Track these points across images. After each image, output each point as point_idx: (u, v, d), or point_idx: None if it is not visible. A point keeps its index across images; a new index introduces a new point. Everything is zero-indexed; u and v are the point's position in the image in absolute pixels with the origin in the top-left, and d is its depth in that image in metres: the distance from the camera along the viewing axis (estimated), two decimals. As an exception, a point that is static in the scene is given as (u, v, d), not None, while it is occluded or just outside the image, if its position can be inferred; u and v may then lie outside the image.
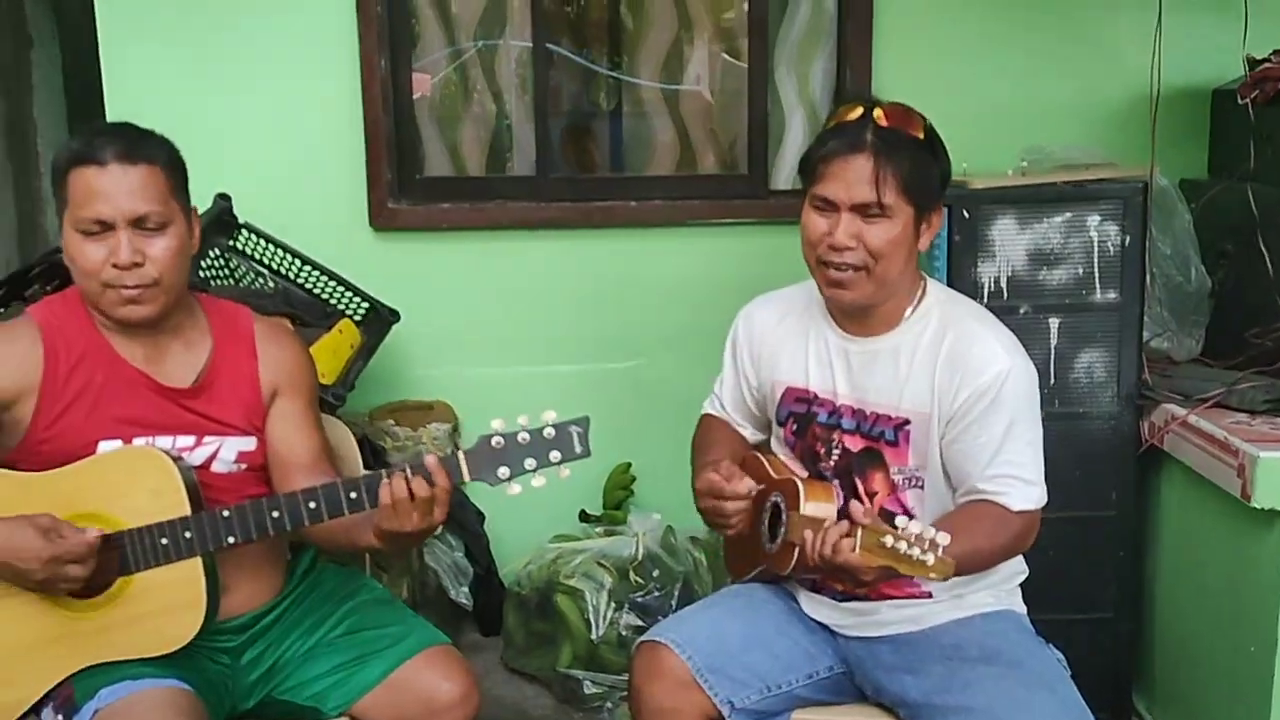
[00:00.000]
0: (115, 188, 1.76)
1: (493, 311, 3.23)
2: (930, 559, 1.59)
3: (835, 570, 1.71)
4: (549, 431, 1.71)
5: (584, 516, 3.17)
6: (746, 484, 1.88)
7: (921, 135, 1.85)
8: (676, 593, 2.88)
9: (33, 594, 1.74)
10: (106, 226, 1.76)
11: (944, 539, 1.59)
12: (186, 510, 1.75)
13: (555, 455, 1.71)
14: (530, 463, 1.71)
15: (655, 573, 2.90)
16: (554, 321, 3.24)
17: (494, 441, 1.71)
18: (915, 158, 1.82)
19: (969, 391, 1.82)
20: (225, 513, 1.74)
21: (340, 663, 1.91)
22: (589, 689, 2.83)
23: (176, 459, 1.79)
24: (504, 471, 1.71)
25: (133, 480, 1.77)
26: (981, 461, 1.83)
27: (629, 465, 3.23)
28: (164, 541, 1.74)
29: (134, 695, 1.69)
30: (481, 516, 3.14)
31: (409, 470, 1.71)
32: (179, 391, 1.87)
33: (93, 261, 1.77)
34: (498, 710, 2.85)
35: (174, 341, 1.89)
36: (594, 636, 2.84)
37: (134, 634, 1.76)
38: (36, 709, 1.79)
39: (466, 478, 1.72)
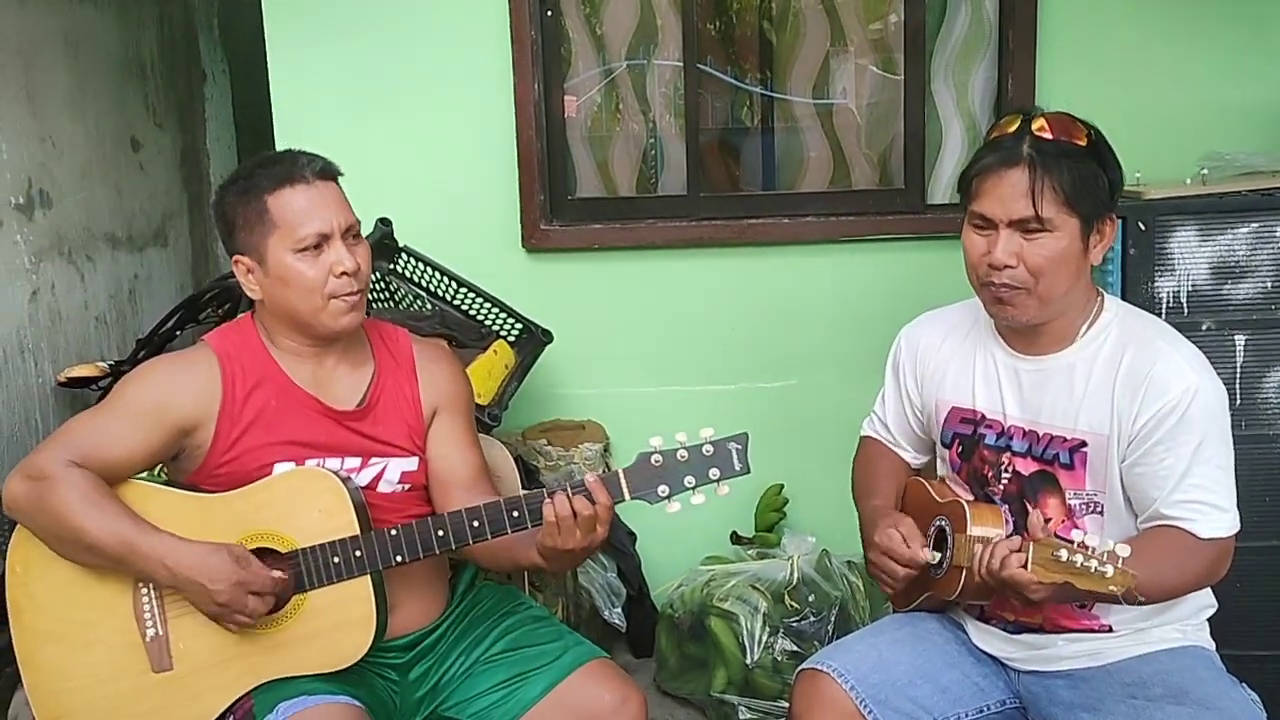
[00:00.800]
0: (324, 201, 1.83)
1: (644, 331, 3.22)
2: (1110, 570, 1.51)
3: (1003, 589, 1.63)
4: (708, 449, 1.71)
5: (736, 538, 3.13)
6: (926, 555, 1.83)
7: (1084, 142, 1.76)
8: (833, 618, 2.81)
9: None
10: (324, 239, 1.82)
11: (1124, 550, 1.52)
12: (356, 530, 1.80)
13: (715, 472, 1.71)
14: (690, 480, 1.71)
15: (810, 597, 2.83)
16: (705, 341, 3.21)
17: (653, 459, 1.72)
18: (1077, 167, 1.73)
19: (1153, 411, 1.72)
20: (393, 532, 1.78)
21: (502, 680, 1.93)
22: (744, 714, 2.78)
23: (345, 480, 1.83)
24: (664, 489, 1.71)
25: (304, 501, 1.82)
26: (1167, 486, 1.73)
27: (781, 487, 3.17)
28: (336, 560, 1.78)
29: (309, 710, 1.73)
30: (633, 537, 3.13)
31: (570, 489, 1.72)
32: (345, 414, 1.91)
33: (316, 277, 1.83)
34: (651, 733, 2.82)
35: (340, 364, 1.93)
36: (748, 661, 2.79)
37: (309, 650, 1.81)
38: (219, 720, 1.85)
39: (627, 496, 1.73)
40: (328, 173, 1.86)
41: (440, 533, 1.78)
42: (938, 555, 1.84)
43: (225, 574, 1.73)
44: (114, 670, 1.83)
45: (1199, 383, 1.73)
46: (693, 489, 1.72)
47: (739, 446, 1.72)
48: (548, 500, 1.72)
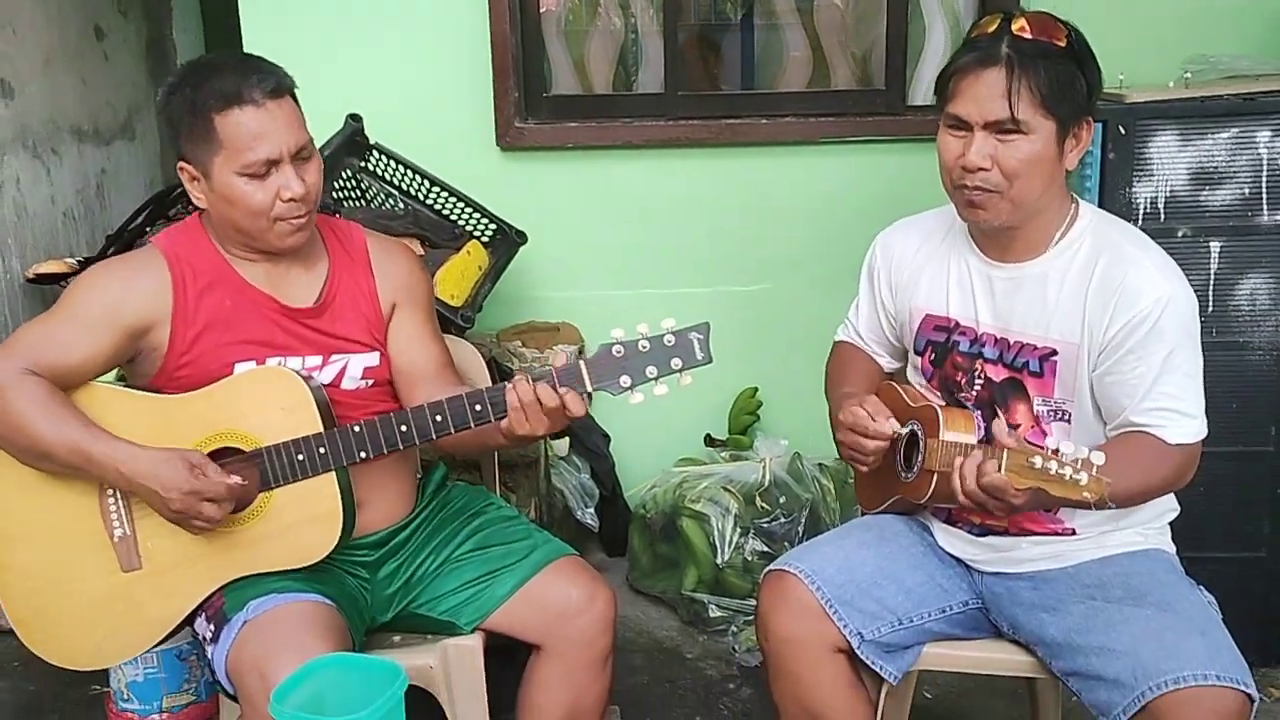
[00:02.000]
0: (274, 124, 1.76)
1: (619, 232, 3.19)
2: (1084, 478, 1.53)
3: (984, 504, 1.64)
4: (669, 339, 1.70)
5: (709, 441, 3.15)
6: (892, 425, 1.82)
7: (1064, 43, 1.73)
8: (803, 520, 2.85)
9: None
10: (272, 164, 1.77)
11: (1099, 458, 1.53)
12: (319, 427, 1.79)
13: (677, 362, 1.70)
14: (652, 370, 1.70)
15: (781, 499, 2.87)
16: (682, 243, 3.19)
17: (615, 350, 1.71)
18: (1055, 68, 1.70)
19: (1124, 320, 1.72)
20: (356, 428, 1.78)
21: (472, 578, 1.95)
22: (714, 612, 2.84)
23: (308, 378, 1.82)
24: (626, 380, 1.71)
25: (266, 399, 1.81)
26: (1138, 394, 1.74)
27: (756, 390, 3.19)
28: (300, 458, 1.78)
29: (280, 608, 1.74)
30: (607, 438, 3.15)
31: (531, 377, 1.72)
32: (302, 311, 1.90)
33: (263, 201, 1.78)
34: (623, 629, 2.87)
35: (294, 264, 1.91)
36: (719, 561, 2.83)
37: (277, 547, 1.82)
38: (190, 618, 1.87)
39: (589, 386, 1.72)
40: (280, 90, 1.78)
41: (403, 428, 1.77)
42: (905, 429, 1.84)
43: (178, 482, 1.72)
44: (84, 570, 1.84)
45: (1171, 291, 1.73)
46: (655, 379, 1.71)
47: (700, 336, 1.70)
48: (510, 388, 1.72)
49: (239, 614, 1.75)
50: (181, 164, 1.83)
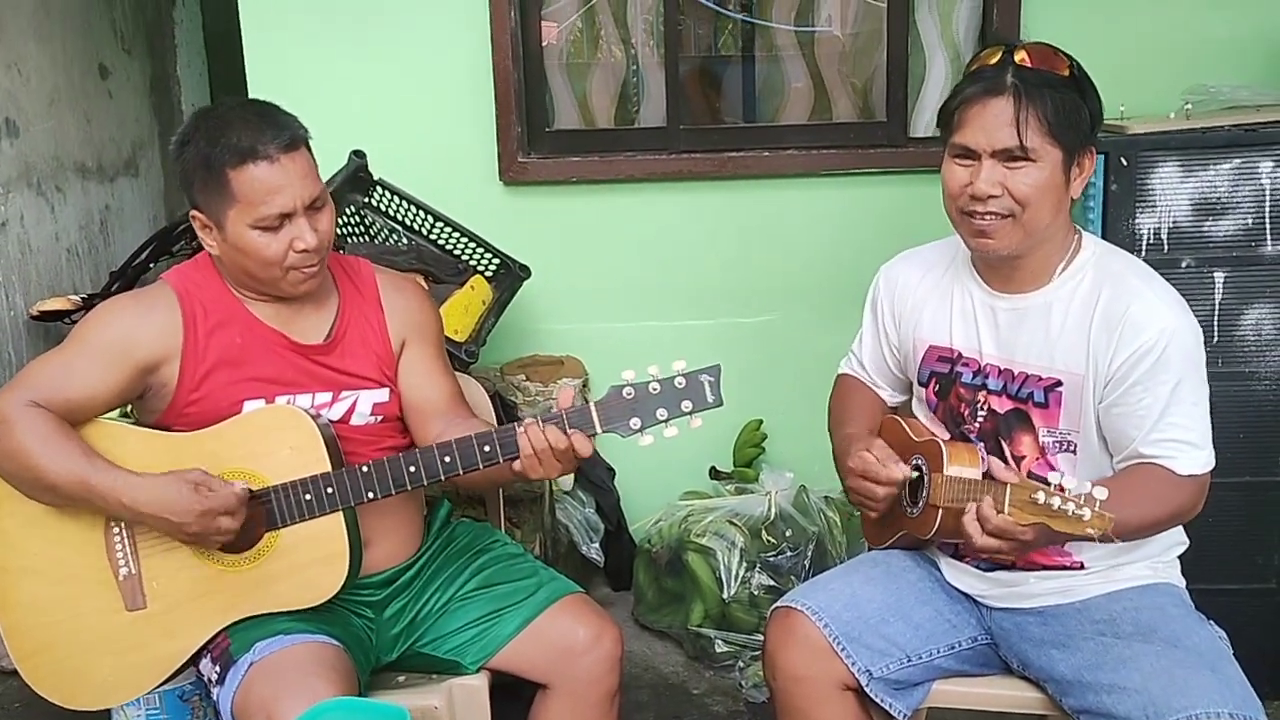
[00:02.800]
0: (287, 178, 1.77)
1: (623, 266, 3.20)
2: (1087, 514, 1.51)
3: (995, 544, 1.64)
4: (680, 381, 1.70)
5: (715, 474, 3.14)
6: (902, 470, 1.82)
7: (1066, 73, 1.74)
8: (809, 553, 2.83)
9: (188, 549, 1.80)
10: (286, 217, 1.78)
11: (1101, 493, 1.52)
12: (327, 466, 1.79)
13: (687, 405, 1.70)
14: (662, 413, 1.70)
15: (788, 532, 2.85)
16: (685, 275, 3.19)
17: (625, 392, 1.70)
18: (1060, 97, 1.71)
19: (1129, 352, 1.72)
20: (364, 468, 1.78)
21: (477, 617, 1.94)
22: (720, 648, 2.81)
23: (315, 416, 1.82)
24: (636, 422, 1.70)
25: (274, 438, 1.80)
26: (1145, 425, 1.73)
27: (760, 422, 3.18)
28: (308, 497, 1.78)
29: (286, 650, 1.73)
30: (612, 472, 3.14)
31: (541, 419, 1.71)
32: (313, 348, 1.90)
33: (276, 252, 1.79)
34: (628, 665, 2.82)
35: (305, 301, 1.91)
36: (725, 595, 2.81)
37: (283, 587, 1.81)
38: (194, 659, 1.86)
39: (598, 429, 1.71)
40: (294, 143, 1.79)
41: (412, 469, 1.77)
42: (915, 472, 1.83)
43: (188, 504, 1.71)
44: (88, 607, 1.83)
45: (1175, 323, 1.73)
46: (665, 421, 1.70)
47: (711, 378, 1.70)
48: (521, 432, 1.71)
49: (245, 655, 1.74)
50: (194, 213, 1.83)
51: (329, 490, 1.77)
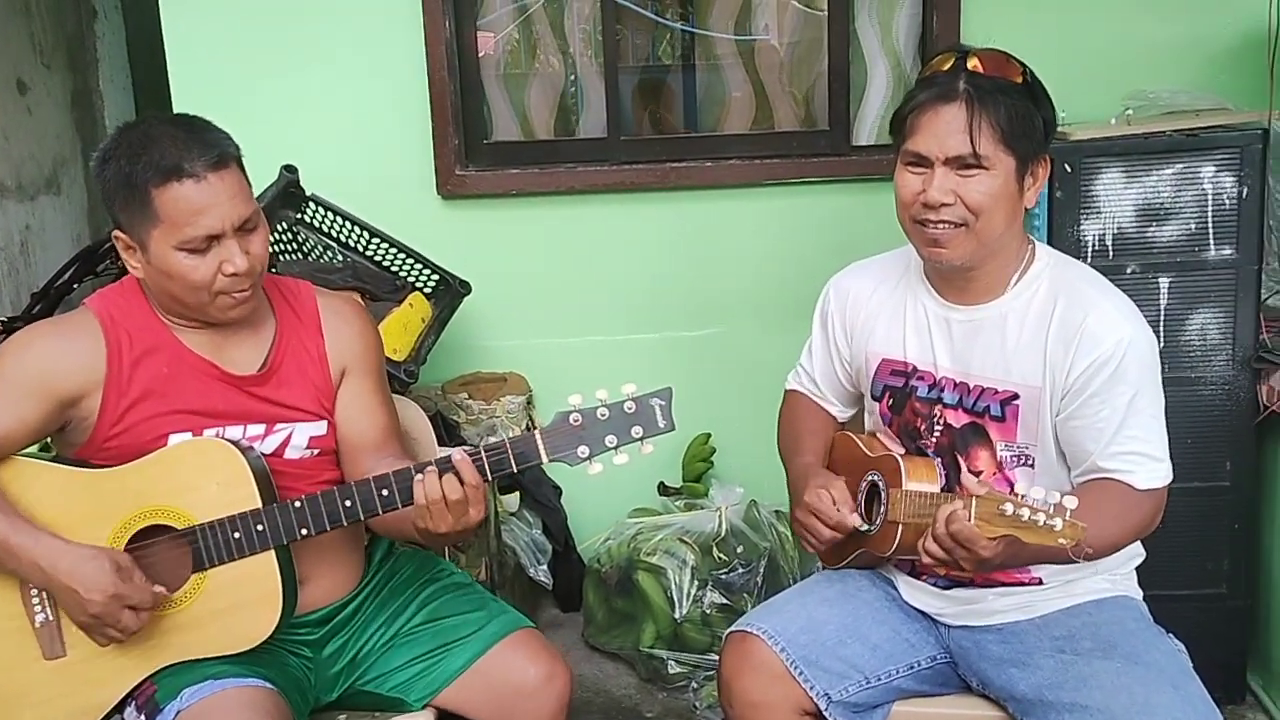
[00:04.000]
0: (215, 198, 1.66)
1: (566, 279, 3.14)
2: (1058, 523, 1.48)
3: (949, 544, 1.59)
4: (629, 405, 1.64)
5: (663, 489, 3.09)
6: (854, 520, 1.79)
7: (1020, 80, 1.72)
8: (761, 569, 2.79)
9: None
10: (214, 238, 1.68)
11: (1071, 502, 1.49)
12: (258, 502, 1.70)
13: (637, 430, 1.64)
14: (611, 440, 1.64)
15: (739, 549, 2.81)
16: (629, 289, 3.14)
17: (572, 418, 1.64)
18: (1014, 104, 1.69)
19: (1086, 363, 1.69)
20: (297, 504, 1.69)
21: (422, 653, 1.86)
22: (673, 669, 2.76)
23: (245, 450, 1.73)
24: (584, 450, 1.64)
25: (201, 473, 1.71)
26: (1104, 438, 1.71)
27: (709, 436, 3.13)
28: (236, 535, 1.69)
29: (216, 695, 1.65)
30: (559, 491, 3.07)
31: (439, 466, 1.64)
32: (246, 379, 1.80)
33: (204, 276, 1.69)
34: (580, 688, 2.78)
35: (239, 328, 1.81)
36: (677, 615, 2.76)
37: (211, 632, 1.72)
38: (119, 707, 1.75)
39: (545, 459, 1.65)
40: (223, 161, 1.68)
41: (348, 503, 1.69)
42: (866, 525, 1.80)
43: (102, 584, 1.61)
44: (4, 659, 1.72)
45: (1132, 334, 1.70)
46: (615, 449, 1.64)
47: (662, 403, 1.64)
48: (419, 479, 1.64)
49: (172, 703, 1.65)
50: (116, 233, 1.73)
51: (259, 528, 1.68)
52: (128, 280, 1.81)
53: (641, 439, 1.65)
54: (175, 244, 1.67)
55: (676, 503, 3.02)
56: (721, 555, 2.80)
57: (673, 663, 2.76)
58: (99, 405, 1.73)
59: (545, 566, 2.93)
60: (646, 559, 2.81)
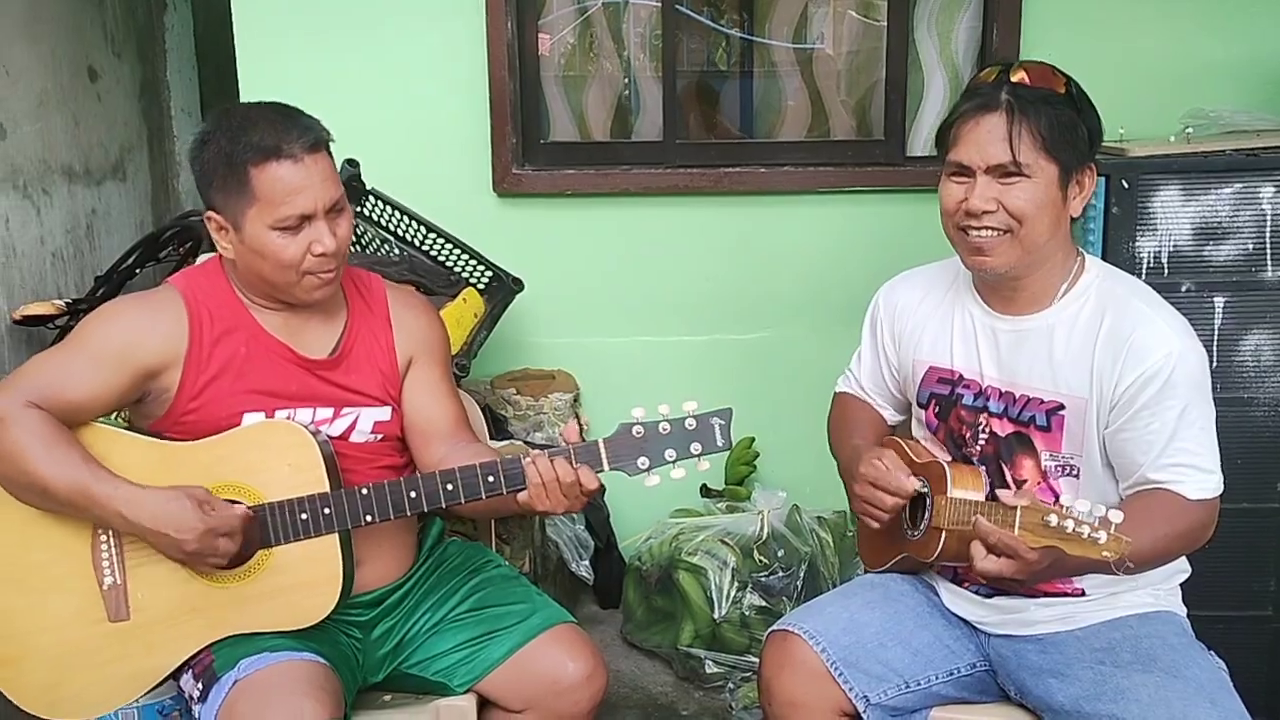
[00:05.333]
0: (309, 179, 1.73)
1: (616, 280, 3.17)
2: (1103, 536, 1.49)
3: (1002, 567, 1.60)
4: (690, 422, 1.69)
5: (705, 491, 3.11)
6: (913, 483, 1.79)
7: (1063, 90, 1.74)
8: (801, 574, 2.80)
9: (174, 563, 1.75)
10: (306, 219, 1.74)
11: (1117, 516, 1.49)
12: (325, 486, 1.75)
13: (696, 447, 1.69)
14: (670, 454, 1.69)
15: (780, 552, 2.82)
16: (679, 291, 3.17)
17: (635, 430, 1.69)
18: (1055, 113, 1.71)
19: (1134, 376, 1.70)
20: (364, 491, 1.74)
21: (466, 640, 1.90)
22: (710, 668, 2.78)
23: (316, 434, 1.78)
24: (644, 462, 1.69)
25: (274, 454, 1.76)
26: (1153, 450, 1.71)
27: (753, 440, 3.15)
28: (304, 516, 1.74)
29: (272, 668, 1.69)
30: (602, 489, 3.08)
31: (550, 454, 1.68)
32: (317, 363, 1.86)
33: (294, 255, 1.75)
34: (617, 684, 2.82)
35: (313, 313, 1.87)
36: (716, 615, 2.77)
37: (272, 607, 1.77)
38: (175, 674, 1.81)
39: (605, 466, 1.70)
40: (318, 145, 1.76)
41: (412, 494, 1.73)
42: (926, 488, 1.80)
43: (190, 523, 1.67)
44: (69, 617, 1.78)
45: (1180, 347, 1.71)
46: (673, 463, 1.70)
47: (722, 422, 1.70)
48: (529, 462, 1.68)
49: (229, 673, 1.69)
50: (210, 214, 1.79)
51: (326, 511, 1.74)
52: (210, 262, 1.88)
53: (699, 455, 1.70)
54: (270, 223, 1.73)
55: (718, 505, 3.04)
56: (762, 558, 2.81)
57: (710, 662, 2.78)
58: (179, 379, 1.78)
59: (587, 562, 2.96)
60: (687, 558, 2.83)
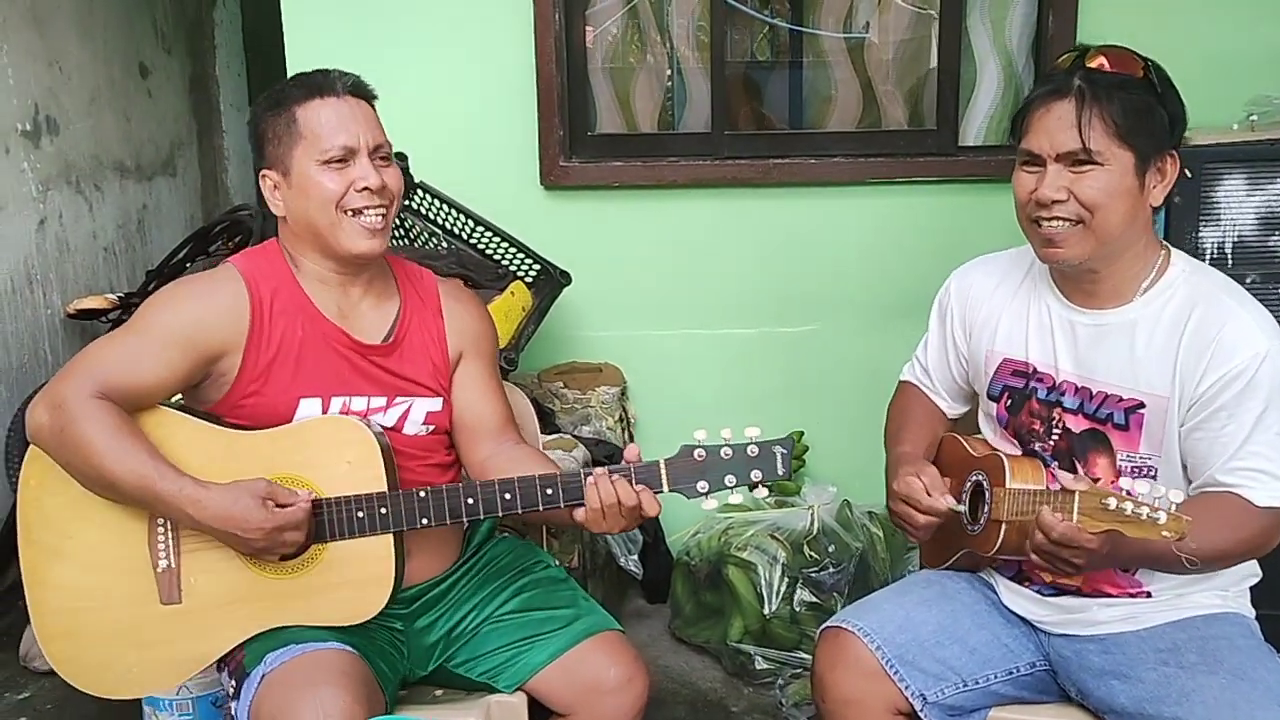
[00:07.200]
0: (353, 116, 1.78)
1: (665, 272, 3.15)
2: (1162, 516, 1.46)
3: (1058, 559, 1.56)
4: (753, 449, 1.69)
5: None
6: (948, 502, 1.77)
7: (1140, 74, 1.68)
8: (852, 569, 2.77)
9: (227, 551, 1.75)
10: (350, 154, 1.77)
11: (1177, 495, 1.45)
12: (383, 484, 1.75)
13: (757, 474, 1.70)
14: (731, 480, 1.70)
15: (831, 548, 2.79)
16: (728, 283, 3.14)
17: (696, 454, 1.69)
18: (1130, 98, 1.65)
19: (1218, 375, 1.65)
20: (421, 494, 1.73)
21: (510, 642, 1.88)
22: (760, 664, 2.76)
23: (376, 432, 1.78)
24: (703, 486, 1.70)
25: (333, 449, 1.76)
26: (1226, 453, 1.66)
27: (802, 434, 3.12)
28: (360, 515, 1.73)
29: (296, 660, 1.69)
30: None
31: (611, 472, 1.68)
32: (372, 348, 1.85)
33: (336, 189, 1.77)
34: (665, 680, 2.81)
35: (366, 296, 1.87)
36: (766, 611, 2.75)
37: (321, 602, 1.76)
38: (218, 667, 1.82)
39: (665, 488, 1.70)
40: (360, 90, 1.82)
41: (470, 501, 1.73)
42: (963, 506, 1.79)
43: (257, 521, 1.67)
44: (121, 596, 1.78)
45: (1268, 348, 1.65)
46: (732, 489, 1.70)
47: (784, 451, 1.69)
48: (591, 483, 1.68)
49: (257, 668, 1.70)
50: (264, 172, 1.82)
51: (383, 511, 1.73)
52: (269, 243, 1.88)
53: (759, 483, 1.70)
54: (316, 157, 1.76)
55: (767, 500, 3.01)
56: (813, 554, 2.78)
57: (759, 658, 2.75)
58: (239, 362, 1.78)
59: (635, 557, 2.95)
60: (737, 554, 2.81)
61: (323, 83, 1.79)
